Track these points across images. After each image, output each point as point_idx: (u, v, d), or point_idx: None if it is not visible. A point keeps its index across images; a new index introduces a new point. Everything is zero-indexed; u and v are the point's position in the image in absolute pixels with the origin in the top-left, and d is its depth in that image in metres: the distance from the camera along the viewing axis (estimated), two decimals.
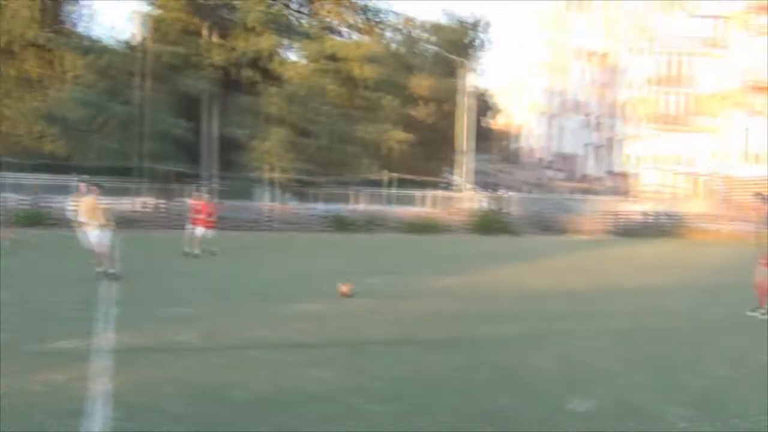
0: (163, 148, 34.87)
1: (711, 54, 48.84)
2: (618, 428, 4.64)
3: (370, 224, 30.47)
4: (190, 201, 19.02)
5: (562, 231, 31.78)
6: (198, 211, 17.46)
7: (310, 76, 38.10)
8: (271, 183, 35.72)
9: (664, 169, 48.94)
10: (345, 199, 35.55)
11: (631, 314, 9.54)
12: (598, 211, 34.77)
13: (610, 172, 55.68)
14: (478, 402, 5.20)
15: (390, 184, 36.53)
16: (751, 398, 5.45)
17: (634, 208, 36.54)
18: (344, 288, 10.22)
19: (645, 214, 34.60)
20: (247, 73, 38.24)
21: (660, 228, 32.47)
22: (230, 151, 37.60)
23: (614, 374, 6.13)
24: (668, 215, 34.22)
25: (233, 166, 37.69)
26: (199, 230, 17.08)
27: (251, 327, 7.92)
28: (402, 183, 37.93)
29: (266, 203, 34.12)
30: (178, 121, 36.03)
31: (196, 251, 16.63)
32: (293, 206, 34.54)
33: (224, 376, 5.79)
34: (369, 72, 38.32)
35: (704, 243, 27.22)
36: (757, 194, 9.66)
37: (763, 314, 8.70)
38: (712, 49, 48.86)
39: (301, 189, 36.54)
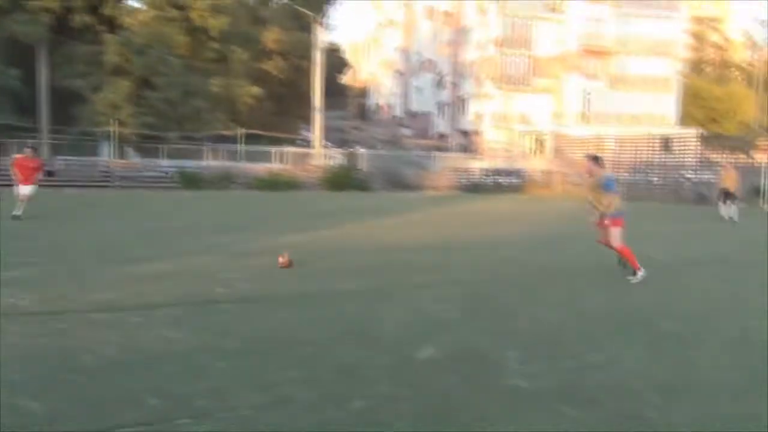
0: None
1: (551, 18, 51.36)
2: (459, 371, 4.87)
3: (222, 181, 29.77)
4: (13, 156, 17.40)
5: (413, 187, 32.67)
6: (22, 168, 16.05)
7: (152, 24, 36.11)
8: (113, 137, 33.79)
9: (508, 127, 51.29)
10: (195, 155, 34.37)
11: (478, 265, 10.01)
12: (448, 167, 36.02)
13: (459, 130, 57.58)
14: (329, 355, 5.27)
15: (242, 139, 35.69)
16: (580, 338, 5.91)
17: (480, 165, 38.19)
18: (282, 258, 9.17)
19: (490, 170, 36.28)
20: (84, 19, 35.63)
21: (504, 184, 34.20)
22: (67, 103, 35.14)
23: (460, 322, 6.42)
24: (511, 172, 36.08)
25: (71, 119, 35.30)
26: (25, 188, 15.74)
27: (94, 289, 7.52)
28: (255, 139, 37.20)
29: (108, 159, 32.35)
30: (5, 69, 33.09)
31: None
32: (137, 162, 32.99)
33: (68, 341, 5.47)
34: (216, 22, 36.94)
35: (543, 198, 28.98)
36: (588, 154, 10.24)
37: (637, 274, 8.67)
38: (552, 14, 51.40)
39: (146, 144, 34.87)
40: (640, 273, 8.63)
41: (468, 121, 56.27)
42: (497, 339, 5.83)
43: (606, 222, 8.84)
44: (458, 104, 59.34)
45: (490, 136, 50.19)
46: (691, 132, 36.84)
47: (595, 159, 9.30)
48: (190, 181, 29.22)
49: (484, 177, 35.18)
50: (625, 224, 8.88)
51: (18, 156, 16.74)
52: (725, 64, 76.32)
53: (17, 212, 15.27)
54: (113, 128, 33.33)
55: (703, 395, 4.54)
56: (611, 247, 8.98)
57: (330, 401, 4.24)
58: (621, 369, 5.07)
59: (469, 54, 56.28)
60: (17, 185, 15.82)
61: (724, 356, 5.50)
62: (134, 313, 6.47)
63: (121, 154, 34.41)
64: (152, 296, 7.24)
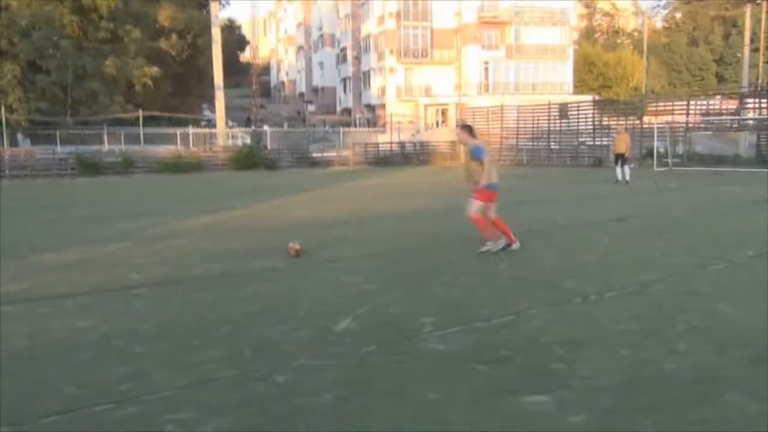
0: None
1: None
2: (376, 340, 5.04)
3: (122, 165, 28.83)
4: None
5: (321, 163, 32.65)
6: None
7: (35, 4, 34.20)
8: (3, 125, 31.99)
9: (412, 100, 51.80)
10: (93, 140, 33.02)
11: (387, 237, 10.22)
12: (354, 142, 36.15)
13: (364, 105, 57.71)
14: (249, 332, 5.32)
15: (142, 122, 34.53)
16: (490, 301, 6.18)
17: (386, 139, 38.50)
18: (293, 245, 8.69)
19: (396, 143, 36.63)
20: None
21: (409, 156, 34.65)
22: None
23: (373, 293, 6.57)
24: (416, 144, 36.57)
25: None
26: None
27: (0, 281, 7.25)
28: (156, 121, 36.06)
29: None
30: None
31: None
32: (28, 149, 31.42)
33: None
34: (106, 0, 35.34)
35: (448, 169, 29.56)
36: (460, 123, 10.11)
37: (488, 249, 8.65)
38: None
39: (39, 131, 33.22)
40: (489, 244, 8.66)
41: (372, 95, 56.44)
42: (411, 307, 6.02)
43: (473, 193, 8.70)
44: (362, 78, 59.38)
45: (395, 109, 50.65)
46: (586, 98, 38.30)
47: (467, 128, 9.01)
48: (89, 167, 28.14)
49: (391, 150, 35.49)
50: (493, 198, 8.79)
51: None
52: (615, 32, 79.49)
53: None
54: (2, 115, 31.57)
55: (605, 346, 4.88)
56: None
57: (252, 378, 4.31)
58: (529, 327, 5.37)
59: (370, 28, 56.31)
60: None
61: (621, 308, 5.89)
62: (45, 303, 6.30)
63: (13, 142, 32.68)
64: (62, 286, 7.05)
